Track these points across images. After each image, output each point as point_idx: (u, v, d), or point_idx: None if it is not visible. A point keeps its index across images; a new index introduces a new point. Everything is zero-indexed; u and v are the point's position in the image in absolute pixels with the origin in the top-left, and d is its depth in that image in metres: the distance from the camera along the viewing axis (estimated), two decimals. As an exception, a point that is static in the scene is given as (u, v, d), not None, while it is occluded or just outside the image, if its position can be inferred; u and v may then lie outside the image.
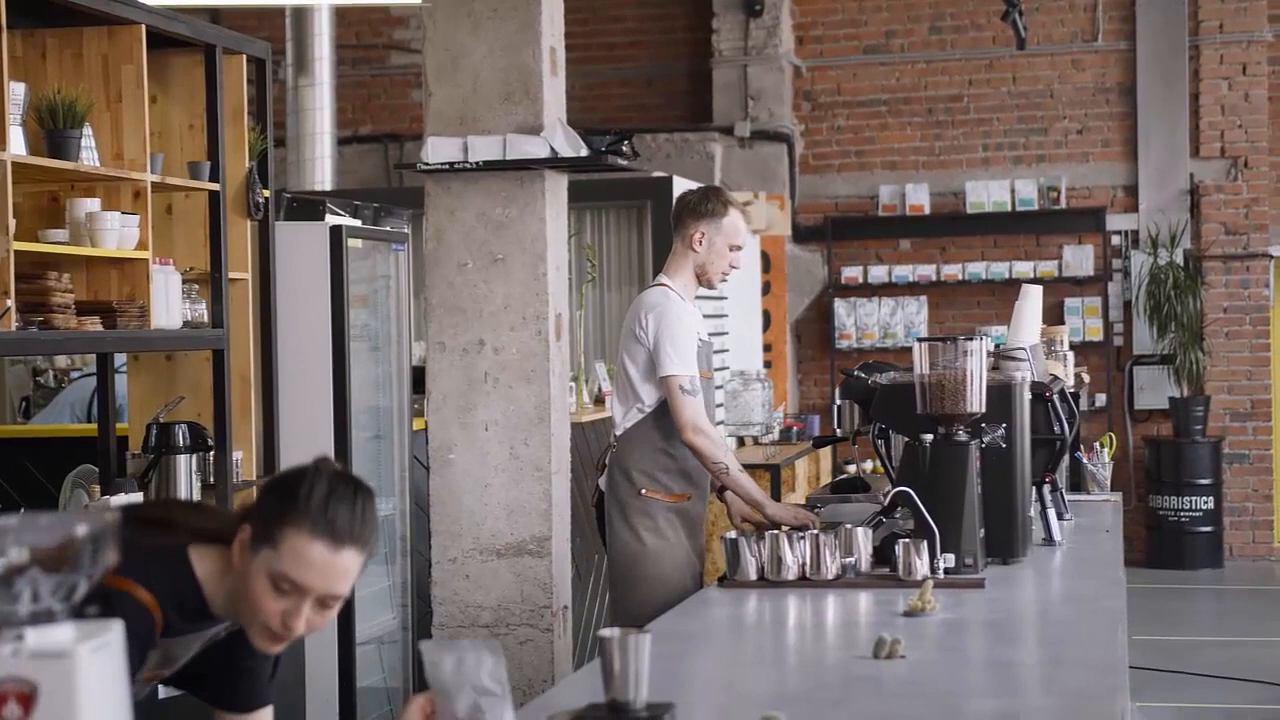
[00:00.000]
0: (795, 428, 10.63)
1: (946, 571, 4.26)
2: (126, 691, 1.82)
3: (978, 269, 12.72)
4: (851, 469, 9.98)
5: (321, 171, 10.99)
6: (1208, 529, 12.25)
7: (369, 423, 6.75)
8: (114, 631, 1.78)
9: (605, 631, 2.76)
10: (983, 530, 4.39)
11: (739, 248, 5.31)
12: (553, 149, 5.49)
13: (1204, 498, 12.21)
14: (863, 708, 2.99)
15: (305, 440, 6.21)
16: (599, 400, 8.66)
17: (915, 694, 3.06)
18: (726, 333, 10.42)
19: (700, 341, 5.27)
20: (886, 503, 4.44)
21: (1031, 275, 12.44)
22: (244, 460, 5.87)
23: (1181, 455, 12.24)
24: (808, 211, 13.12)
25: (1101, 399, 12.53)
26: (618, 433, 5.30)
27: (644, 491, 5.20)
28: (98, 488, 5.48)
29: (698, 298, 5.43)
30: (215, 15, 12.89)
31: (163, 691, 4.75)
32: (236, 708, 2.91)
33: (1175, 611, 10.91)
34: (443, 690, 2.45)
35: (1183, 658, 9.15)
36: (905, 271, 12.83)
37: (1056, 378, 5.67)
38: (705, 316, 9.63)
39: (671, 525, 5.22)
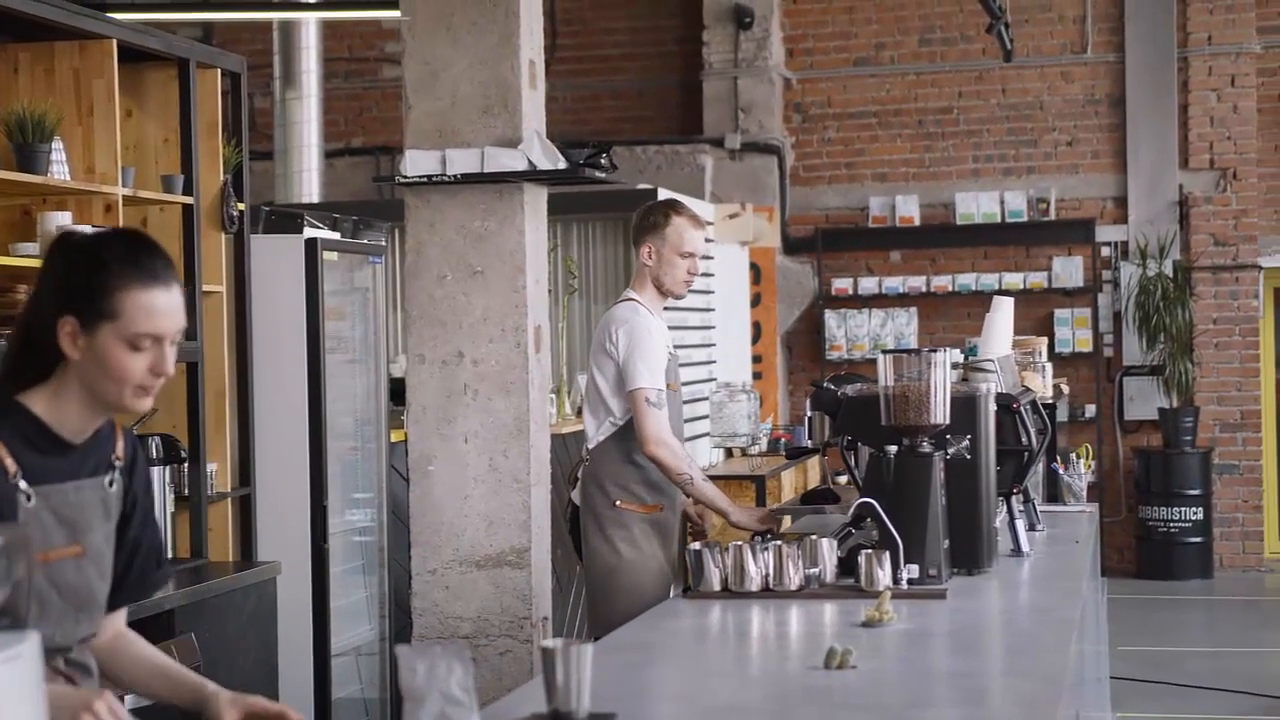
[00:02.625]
0: (784, 439, 10.64)
1: (910, 582, 4.27)
2: (42, 702, 1.84)
3: (968, 280, 12.74)
4: (842, 480, 9.98)
5: (308, 184, 11.02)
6: (1197, 540, 12.25)
7: (347, 434, 6.77)
8: (27, 643, 1.80)
9: (547, 642, 2.79)
10: (947, 541, 4.40)
11: (691, 255, 5.35)
12: (530, 162, 5.50)
13: (1194, 508, 12.21)
14: (807, 717, 3.01)
15: (281, 452, 6.23)
16: (580, 412, 8.68)
17: (859, 704, 3.07)
18: (714, 344, 10.44)
19: (669, 354, 5.31)
20: (850, 514, 4.45)
21: (1021, 286, 12.45)
22: (218, 473, 5.88)
23: (1171, 466, 12.25)
24: (798, 223, 13.15)
25: (1091, 410, 12.54)
26: (590, 445, 5.38)
27: (618, 504, 5.27)
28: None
29: (668, 309, 5.47)
30: (207, 29, 12.96)
31: (129, 702, 4.77)
32: (129, 596, 2.93)
33: (1163, 622, 10.92)
34: (413, 695, 2.49)
35: (1169, 668, 9.16)
36: (895, 283, 12.84)
37: (1029, 389, 5.67)
38: (692, 328, 9.74)
39: (646, 536, 5.27)
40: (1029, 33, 12.72)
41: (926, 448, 4.43)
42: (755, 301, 12.33)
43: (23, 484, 2.66)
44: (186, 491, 5.66)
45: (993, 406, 4.73)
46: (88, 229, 2.80)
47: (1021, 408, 5.05)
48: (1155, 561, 12.27)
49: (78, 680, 2.77)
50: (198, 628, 5.20)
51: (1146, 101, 12.63)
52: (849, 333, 12.89)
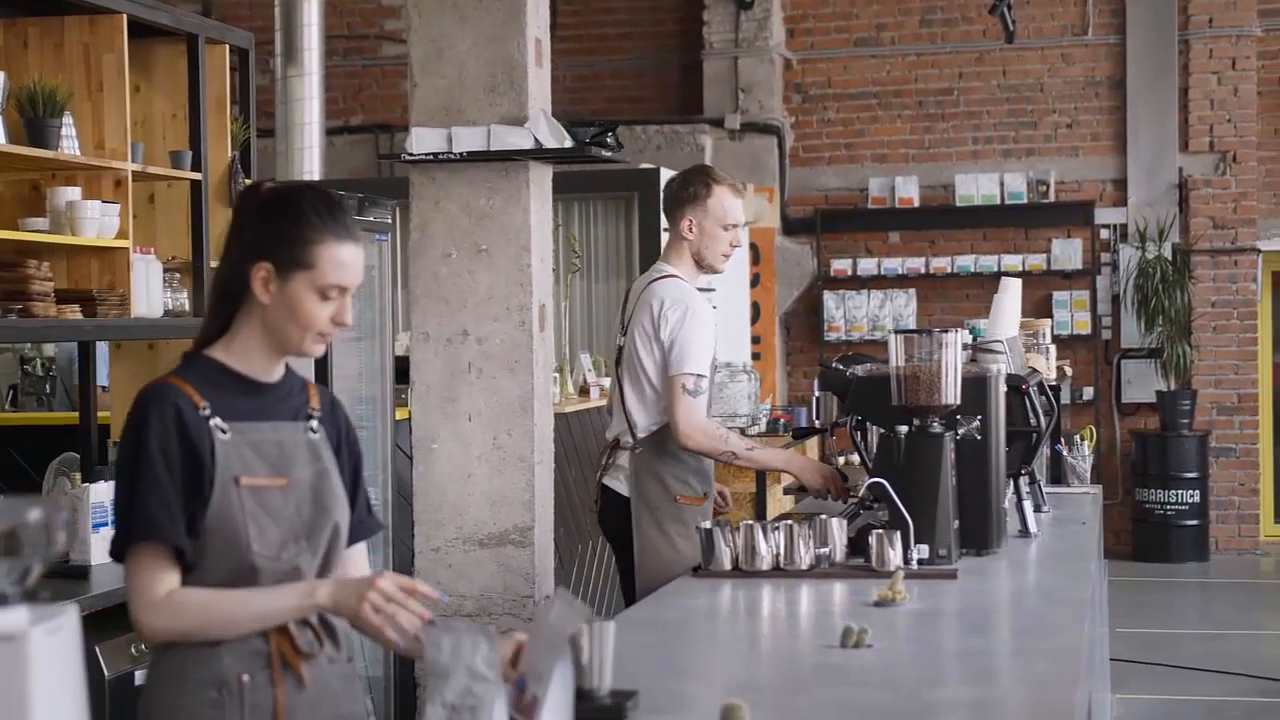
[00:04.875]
0: (783, 419, 10.65)
1: (920, 562, 4.28)
2: (81, 675, 1.84)
3: (966, 262, 12.75)
4: (841, 461, 10.00)
5: (310, 161, 10.93)
6: (1194, 522, 12.28)
7: (351, 411, 6.75)
8: (68, 615, 1.80)
9: (569, 619, 2.79)
10: (957, 522, 4.41)
11: (734, 226, 5.17)
12: (536, 140, 5.49)
13: (1190, 491, 12.24)
14: (825, 695, 3.02)
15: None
16: (584, 391, 8.69)
17: (877, 682, 3.08)
18: (714, 324, 10.43)
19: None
20: (861, 494, 4.46)
21: (1020, 268, 12.47)
22: (225, 449, 5.87)
23: (1168, 449, 12.27)
24: (797, 204, 13.15)
25: (1089, 392, 12.56)
26: (639, 434, 5.15)
27: (679, 498, 5.11)
28: (79, 475, 5.49)
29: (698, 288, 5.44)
30: (208, 5, 12.92)
31: (140, 678, 4.78)
32: (357, 535, 3.05)
33: (1160, 604, 10.95)
34: (438, 671, 2.50)
35: (1166, 650, 9.18)
36: (894, 264, 12.85)
37: (1035, 370, 5.68)
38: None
39: (696, 525, 5.20)
40: (1030, 14, 12.71)
41: (937, 428, 4.43)
42: (754, 282, 12.33)
43: (215, 419, 2.82)
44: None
45: (1003, 387, 4.73)
46: (273, 183, 2.97)
47: (1030, 389, 5.05)
48: (1152, 544, 12.30)
49: (323, 639, 2.90)
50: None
51: (1147, 84, 12.63)
52: (847, 314, 12.90)
